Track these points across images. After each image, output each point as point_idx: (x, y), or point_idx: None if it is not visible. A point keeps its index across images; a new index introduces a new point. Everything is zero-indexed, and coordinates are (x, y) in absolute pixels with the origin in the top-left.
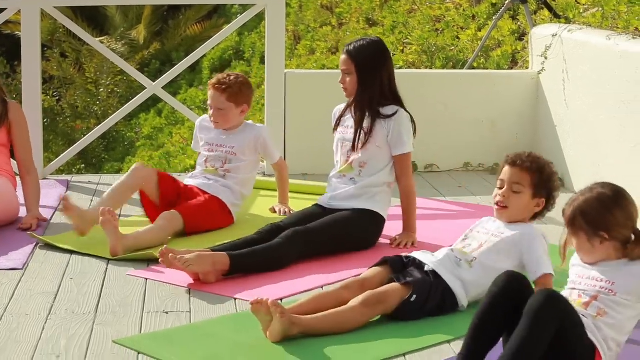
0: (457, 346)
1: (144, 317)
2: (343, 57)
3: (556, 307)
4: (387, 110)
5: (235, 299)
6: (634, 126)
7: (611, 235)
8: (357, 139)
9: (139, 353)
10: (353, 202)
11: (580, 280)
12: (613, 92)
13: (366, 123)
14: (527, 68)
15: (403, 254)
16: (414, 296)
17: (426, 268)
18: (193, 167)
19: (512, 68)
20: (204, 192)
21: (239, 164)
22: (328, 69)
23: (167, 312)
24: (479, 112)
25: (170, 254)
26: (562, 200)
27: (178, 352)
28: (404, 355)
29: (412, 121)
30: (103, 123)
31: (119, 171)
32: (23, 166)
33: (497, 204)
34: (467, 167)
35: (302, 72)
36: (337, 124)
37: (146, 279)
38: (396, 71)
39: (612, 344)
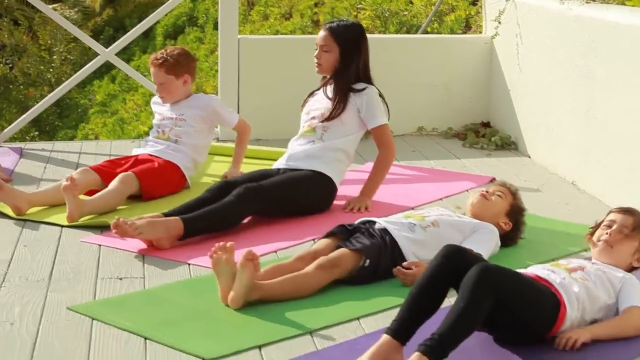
0: None
1: (98, 283)
2: (324, 33)
3: (489, 280)
4: (358, 85)
5: (189, 264)
6: (587, 91)
7: None
8: (333, 110)
9: (93, 319)
10: (309, 162)
11: (579, 260)
12: (566, 57)
13: (341, 97)
14: (480, 33)
15: (347, 223)
16: (367, 261)
17: (377, 226)
18: (147, 134)
19: (465, 33)
20: (157, 157)
21: (188, 129)
22: (282, 34)
23: (121, 278)
24: (433, 76)
25: (121, 220)
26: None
27: (132, 318)
28: (357, 319)
29: (382, 97)
30: (56, 90)
31: (72, 138)
32: None
33: (481, 194)
34: (421, 132)
35: (256, 38)
36: (306, 101)
37: (100, 245)
38: None
39: (580, 305)
